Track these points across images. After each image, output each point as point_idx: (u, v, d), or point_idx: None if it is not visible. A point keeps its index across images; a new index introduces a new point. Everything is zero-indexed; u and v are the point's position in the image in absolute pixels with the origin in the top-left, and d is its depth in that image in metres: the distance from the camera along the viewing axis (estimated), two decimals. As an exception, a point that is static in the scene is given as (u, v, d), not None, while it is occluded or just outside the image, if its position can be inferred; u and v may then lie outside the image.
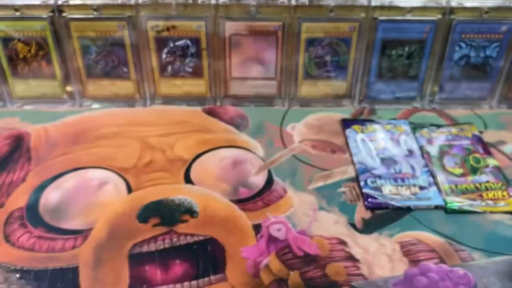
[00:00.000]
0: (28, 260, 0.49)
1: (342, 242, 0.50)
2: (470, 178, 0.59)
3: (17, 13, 0.64)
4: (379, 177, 0.59)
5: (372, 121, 0.67)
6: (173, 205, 0.54)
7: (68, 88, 0.70)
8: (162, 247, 0.50)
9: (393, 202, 0.55)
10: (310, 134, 0.66)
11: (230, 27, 0.65)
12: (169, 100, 0.72)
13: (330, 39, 0.66)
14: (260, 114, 0.69)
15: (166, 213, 0.53)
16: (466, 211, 0.55)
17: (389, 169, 0.60)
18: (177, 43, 0.67)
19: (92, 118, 0.68)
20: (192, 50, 0.67)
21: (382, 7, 0.64)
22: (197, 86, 0.71)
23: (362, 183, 0.58)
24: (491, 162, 0.61)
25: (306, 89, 0.71)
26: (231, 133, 0.66)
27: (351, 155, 0.63)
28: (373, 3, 0.64)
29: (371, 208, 0.55)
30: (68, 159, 0.61)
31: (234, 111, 0.70)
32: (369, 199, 0.56)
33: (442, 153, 0.63)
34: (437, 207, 0.55)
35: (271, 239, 0.51)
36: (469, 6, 0.65)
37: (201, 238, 0.51)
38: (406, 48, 0.67)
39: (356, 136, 0.64)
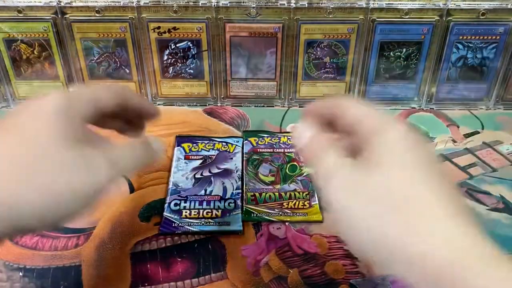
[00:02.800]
0: (31, 258, 0.49)
1: (341, 241, 0.50)
2: (278, 186, 0.57)
3: (20, 15, 0.64)
4: (186, 199, 0.55)
5: (209, 138, 0.64)
6: (175, 204, 0.55)
7: (71, 89, 0.70)
8: (163, 245, 0.50)
9: (189, 227, 0.51)
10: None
11: (230, 29, 0.66)
12: (170, 101, 0.72)
13: (329, 41, 0.67)
14: (260, 114, 0.70)
15: (167, 212, 0.54)
16: (261, 219, 0.53)
17: (200, 190, 0.55)
18: (178, 44, 0.67)
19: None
20: (193, 51, 0.68)
21: (380, 9, 0.65)
22: (198, 87, 0.71)
23: (165, 206, 0.54)
24: (307, 170, 0.59)
25: (306, 89, 0.71)
26: (232, 133, 0.66)
27: (168, 176, 0.58)
28: (371, 5, 0.64)
29: (165, 233, 0.51)
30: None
31: (234, 112, 0.71)
32: (163, 225, 0.51)
33: (261, 161, 0.61)
34: (234, 232, 0.51)
35: (271, 238, 0.51)
36: (466, 8, 0.65)
37: (202, 236, 0.51)
38: (404, 50, 0.67)
39: (180, 154, 0.61)
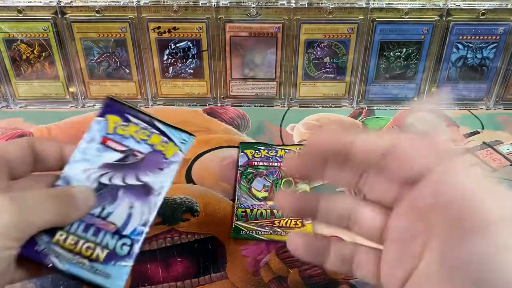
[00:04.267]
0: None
1: (341, 240, 0.50)
2: (270, 202, 0.55)
3: (20, 15, 0.64)
4: None
5: (149, 118, 0.42)
6: (175, 204, 0.55)
7: (71, 89, 0.70)
8: (163, 245, 0.50)
9: (54, 260, 0.35)
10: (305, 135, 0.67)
11: (230, 29, 0.66)
12: (170, 101, 0.72)
13: (329, 41, 0.67)
14: (260, 114, 0.70)
15: (167, 212, 0.53)
16: (250, 238, 0.51)
17: (98, 205, 0.38)
18: (178, 44, 0.67)
19: (94, 118, 0.69)
20: (193, 51, 0.68)
21: (380, 9, 0.65)
22: (198, 87, 0.71)
23: None
24: (303, 187, 0.57)
25: (306, 89, 0.71)
26: (232, 133, 0.66)
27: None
28: (371, 5, 0.64)
29: (24, 257, 0.34)
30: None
31: (234, 112, 0.71)
32: (26, 243, 0.34)
33: (256, 175, 0.58)
34: None
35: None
36: (466, 8, 0.65)
37: (202, 236, 0.51)
38: (404, 50, 0.67)
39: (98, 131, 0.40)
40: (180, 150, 0.41)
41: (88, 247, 0.37)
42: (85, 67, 0.69)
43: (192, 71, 0.69)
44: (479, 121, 0.70)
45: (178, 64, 0.69)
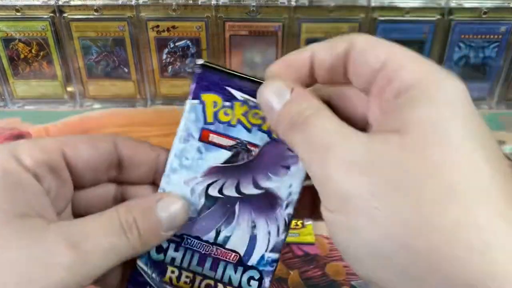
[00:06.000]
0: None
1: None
2: None
3: (18, 14, 0.64)
4: (180, 242, 0.29)
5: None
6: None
7: (69, 89, 0.70)
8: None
9: None
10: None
11: (230, 28, 0.66)
12: (169, 100, 0.72)
13: (330, 40, 0.66)
14: (260, 114, 0.69)
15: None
16: None
17: (210, 228, 0.29)
18: (178, 43, 0.67)
19: (92, 118, 0.68)
20: (193, 50, 0.67)
21: (381, 8, 0.64)
22: (197, 86, 0.71)
23: None
24: None
25: (306, 89, 0.71)
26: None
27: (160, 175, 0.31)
28: (373, 4, 0.64)
29: None
30: (69, 159, 0.61)
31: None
32: (132, 280, 0.29)
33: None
34: None
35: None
36: (468, 7, 0.65)
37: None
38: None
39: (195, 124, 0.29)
40: None
41: (207, 285, 0.29)
42: (83, 66, 0.68)
43: (191, 70, 0.69)
44: (481, 121, 0.69)
45: (177, 63, 0.68)
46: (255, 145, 0.29)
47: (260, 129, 0.28)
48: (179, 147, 0.29)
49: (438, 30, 0.66)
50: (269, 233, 0.29)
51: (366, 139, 0.23)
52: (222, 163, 0.29)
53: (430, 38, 0.66)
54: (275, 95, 0.26)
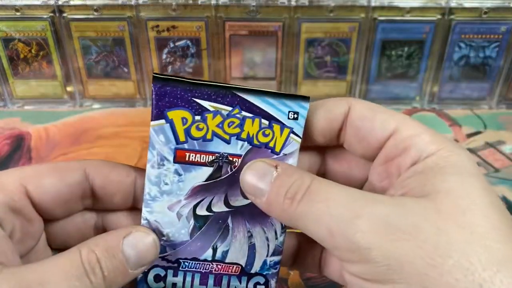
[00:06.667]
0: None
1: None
2: None
3: (18, 14, 0.64)
4: (177, 267, 0.28)
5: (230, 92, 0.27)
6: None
7: (69, 88, 0.70)
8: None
9: None
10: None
11: (230, 28, 0.65)
12: (169, 100, 0.72)
13: (330, 40, 0.66)
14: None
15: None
16: None
17: (205, 247, 0.28)
18: (178, 43, 0.67)
19: (92, 118, 0.68)
20: (192, 50, 0.67)
21: (381, 8, 0.64)
22: (197, 86, 0.70)
23: (139, 277, 0.29)
24: None
25: (306, 89, 0.71)
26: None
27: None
28: (373, 4, 0.64)
29: None
30: (68, 159, 0.61)
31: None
32: None
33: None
34: None
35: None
36: (468, 7, 0.65)
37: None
38: (406, 49, 0.67)
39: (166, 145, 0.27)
40: (293, 132, 0.27)
41: None
42: (83, 66, 0.68)
43: (191, 70, 0.69)
44: (481, 121, 0.69)
45: (177, 63, 0.68)
46: (237, 156, 0.27)
47: (239, 138, 0.26)
48: (153, 173, 0.27)
49: (438, 30, 0.66)
50: (267, 238, 0.28)
51: (393, 202, 0.23)
52: (204, 181, 0.27)
53: (430, 38, 0.66)
54: (258, 176, 0.25)
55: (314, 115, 0.27)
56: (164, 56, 0.68)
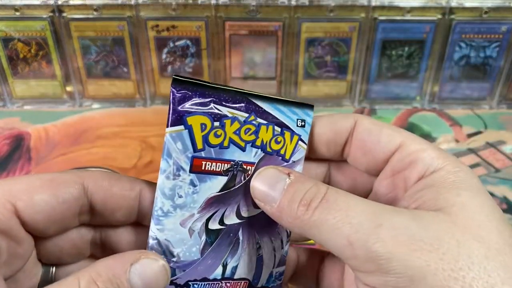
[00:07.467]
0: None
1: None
2: None
3: (17, 13, 0.64)
4: None
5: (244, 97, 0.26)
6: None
7: (68, 88, 0.70)
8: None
9: None
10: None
11: (230, 27, 0.65)
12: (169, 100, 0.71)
13: (330, 39, 0.66)
14: (260, 114, 0.69)
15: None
16: None
17: (215, 265, 0.26)
18: (177, 43, 0.66)
19: (92, 118, 0.68)
20: (192, 50, 0.67)
21: (382, 7, 0.64)
22: (197, 86, 0.70)
23: None
24: None
25: (306, 89, 0.71)
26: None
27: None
28: (373, 3, 0.64)
29: None
30: (68, 159, 0.61)
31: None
32: None
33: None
34: None
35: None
36: (469, 6, 0.64)
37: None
38: (406, 48, 0.67)
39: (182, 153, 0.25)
40: (301, 139, 0.26)
41: None
42: (82, 66, 0.68)
43: (191, 69, 0.69)
44: (482, 121, 0.69)
45: (177, 62, 0.68)
46: (250, 164, 0.25)
47: (254, 145, 0.25)
48: (168, 185, 0.24)
49: (438, 29, 0.65)
50: (274, 249, 0.27)
51: (411, 214, 0.23)
52: (219, 192, 0.25)
53: (431, 38, 0.66)
54: (270, 183, 0.24)
55: (321, 127, 0.27)
56: (164, 56, 0.67)
